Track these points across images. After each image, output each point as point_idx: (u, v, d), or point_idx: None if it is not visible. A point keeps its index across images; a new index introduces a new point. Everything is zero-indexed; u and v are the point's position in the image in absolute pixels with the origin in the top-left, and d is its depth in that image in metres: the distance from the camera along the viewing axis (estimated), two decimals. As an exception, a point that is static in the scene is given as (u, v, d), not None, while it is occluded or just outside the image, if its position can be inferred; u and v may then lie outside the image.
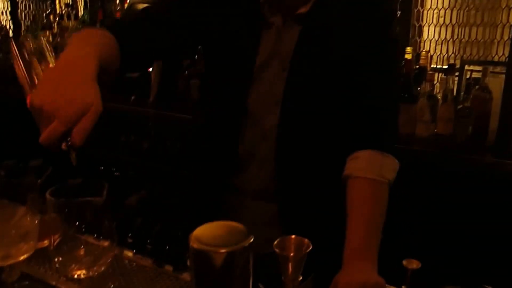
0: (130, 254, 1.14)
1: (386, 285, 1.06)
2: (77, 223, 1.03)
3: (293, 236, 0.85)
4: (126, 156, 3.26)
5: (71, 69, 0.98)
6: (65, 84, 0.95)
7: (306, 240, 0.85)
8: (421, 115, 2.34)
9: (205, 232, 0.84)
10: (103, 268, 1.06)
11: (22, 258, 0.93)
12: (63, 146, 1.00)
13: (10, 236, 0.90)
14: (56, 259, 1.03)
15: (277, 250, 0.83)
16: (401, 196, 1.27)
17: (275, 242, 0.84)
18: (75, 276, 1.04)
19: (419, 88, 2.45)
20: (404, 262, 1.02)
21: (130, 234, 1.23)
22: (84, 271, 1.04)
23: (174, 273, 1.07)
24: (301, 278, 0.84)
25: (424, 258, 1.06)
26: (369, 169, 1.23)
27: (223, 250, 0.80)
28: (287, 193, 1.34)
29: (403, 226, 1.87)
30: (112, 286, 1.01)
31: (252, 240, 0.82)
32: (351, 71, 1.27)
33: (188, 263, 1.10)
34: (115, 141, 3.41)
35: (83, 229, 1.04)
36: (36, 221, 0.94)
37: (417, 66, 2.52)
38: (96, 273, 1.05)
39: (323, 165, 1.36)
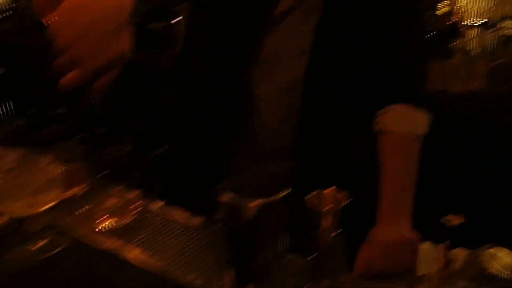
0: (156, 206, 1.11)
1: (426, 242, 1.03)
2: (104, 172, 1.00)
3: (328, 190, 0.81)
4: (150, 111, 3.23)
5: (106, 8, 0.91)
6: (99, 27, 0.88)
7: (341, 193, 0.81)
8: (454, 72, 2.26)
9: (233, 184, 0.81)
10: (129, 219, 1.04)
11: (46, 207, 0.90)
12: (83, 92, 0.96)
13: (34, 185, 0.86)
14: (82, 209, 1.01)
15: (311, 204, 0.79)
16: (432, 155, 1.23)
17: (309, 196, 0.80)
18: (102, 226, 1.02)
19: (452, 44, 2.36)
20: (445, 218, 0.97)
21: (155, 187, 1.20)
22: (110, 222, 1.02)
23: (201, 227, 1.04)
24: (334, 233, 0.80)
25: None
26: (401, 124, 1.19)
27: (254, 204, 0.77)
28: (308, 150, 1.29)
29: (434, 185, 1.83)
30: (139, 238, 0.98)
31: (285, 193, 0.79)
32: (380, 22, 1.22)
33: (217, 217, 1.09)
34: (138, 95, 3.39)
35: (111, 179, 1.02)
36: (62, 170, 0.91)
37: (451, 22, 2.43)
38: (122, 224, 1.03)
39: (347, 121, 1.31)
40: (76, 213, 1.05)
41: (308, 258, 0.86)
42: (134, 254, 0.95)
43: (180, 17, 3.10)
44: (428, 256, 0.92)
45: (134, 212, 1.04)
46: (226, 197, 0.78)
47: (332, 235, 0.80)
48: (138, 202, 1.05)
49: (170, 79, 3.10)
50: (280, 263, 0.84)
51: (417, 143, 1.19)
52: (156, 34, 3.32)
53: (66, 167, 0.92)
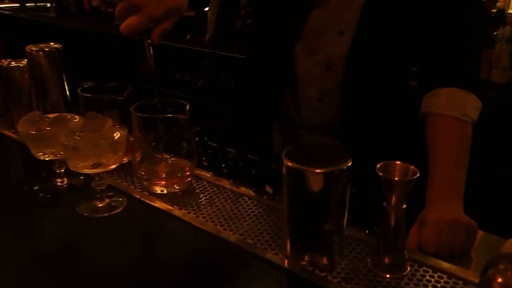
0: (207, 175, 1.13)
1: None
2: (160, 140, 1.03)
3: (398, 162, 0.80)
4: (180, 94, 3.26)
5: None
6: None
7: (412, 166, 0.78)
8: (498, 60, 2.23)
9: (299, 152, 0.80)
10: (183, 186, 1.07)
11: (112, 167, 0.93)
12: (144, 39, 1.00)
13: (101, 145, 0.90)
14: (138, 174, 1.04)
15: (381, 174, 0.77)
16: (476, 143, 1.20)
17: (379, 165, 0.78)
18: (156, 191, 1.05)
19: (496, 33, 2.32)
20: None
21: (204, 158, 1.23)
22: (165, 188, 1.05)
23: (255, 195, 1.05)
24: (405, 206, 0.78)
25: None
26: (451, 107, 1.15)
27: (319, 170, 0.75)
28: (351, 127, 1.28)
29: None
30: (193, 203, 1.01)
31: (351, 163, 0.77)
32: (432, 4, 1.19)
33: (267, 189, 1.10)
34: (170, 78, 3.43)
35: (166, 146, 1.04)
36: (124, 132, 0.94)
37: (495, 10, 2.39)
38: (177, 190, 1.05)
39: (391, 100, 1.30)
40: (134, 177, 1.10)
41: (376, 229, 0.85)
42: (189, 217, 0.97)
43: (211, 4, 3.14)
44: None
45: (188, 179, 1.07)
46: (291, 162, 0.77)
47: (402, 207, 0.78)
48: (191, 169, 1.07)
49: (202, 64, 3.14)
50: (341, 235, 0.82)
51: (469, 127, 1.16)
52: (188, 21, 3.36)
53: (125, 133, 0.95)
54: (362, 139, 1.28)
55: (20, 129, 0.98)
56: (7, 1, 4.98)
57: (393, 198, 0.77)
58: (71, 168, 0.93)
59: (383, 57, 1.23)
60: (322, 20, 1.23)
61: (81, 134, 0.92)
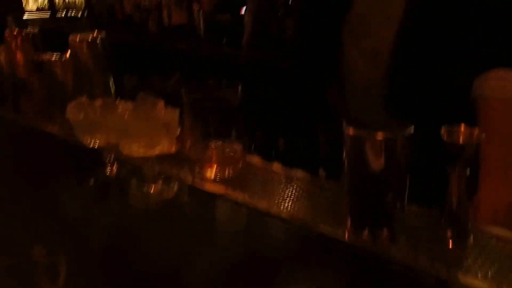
0: (257, 160, 1.10)
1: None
2: (211, 123, 1.00)
3: (462, 125, 0.77)
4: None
5: None
6: None
7: (476, 129, 0.75)
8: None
9: (359, 121, 0.77)
10: (235, 171, 1.03)
11: (165, 149, 0.90)
12: None
13: (154, 126, 0.87)
14: (190, 159, 1.01)
15: (445, 137, 0.74)
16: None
17: (442, 129, 0.75)
18: (208, 176, 1.01)
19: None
20: None
21: (252, 145, 1.19)
22: (217, 173, 1.02)
23: (306, 179, 1.02)
24: (468, 173, 0.75)
25: None
26: (504, 88, 1.12)
27: (381, 136, 0.73)
28: (396, 115, 1.24)
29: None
30: (246, 186, 0.97)
31: (412, 131, 0.74)
32: None
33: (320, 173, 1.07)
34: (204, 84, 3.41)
35: (217, 130, 1.01)
36: (177, 113, 0.91)
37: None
38: (229, 175, 1.02)
39: (439, 90, 1.26)
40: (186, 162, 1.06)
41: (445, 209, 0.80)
42: (244, 200, 0.94)
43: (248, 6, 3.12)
44: None
45: (240, 163, 1.03)
46: (351, 130, 0.74)
47: (466, 173, 0.74)
48: (243, 154, 1.04)
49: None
50: (402, 206, 0.79)
51: None
52: (224, 25, 3.36)
53: (177, 113, 0.91)
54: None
55: (69, 116, 0.96)
56: (36, 13, 5.07)
57: (457, 164, 0.74)
58: (124, 152, 0.90)
59: (432, 46, 1.19)
60: (367, 6, 1.20)
61: (131, 116, 0.89)
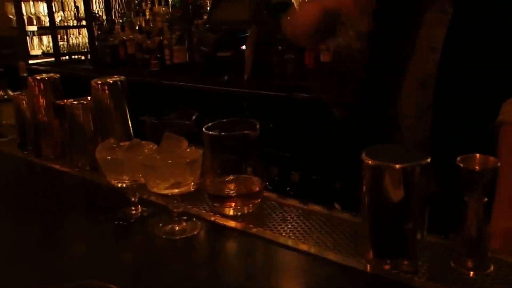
0: (273, 196, 1.13)
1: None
2: (230, 159, 1.04)
3: (478, 155, 0.80)
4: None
5: None
6: None
7: (492, 158, 0.79)
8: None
9: (378, 153, 0.80)
10: (254, 206, 1.07)
11: (190, 187, 0.94)
12: None
13: (179, 164, 0.91)
14: (210, 195, 1.05)
15: (461, 165, 0.77)
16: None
17: (459, 158, 0.79)
18: (228, 213, 1.05)
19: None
20: None
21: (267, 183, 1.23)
22: (236, 209, 1.05)
23: (324, 212, 1.05)
24: (486, 199, 0.78)
25: None
26: None
27: (399, 166, 0.76)
28: (442, 143, 1.26)
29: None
30: (267, 221, 1.01)
31: (429, 160, 0.77)
32: None
33: (336, 206, 1.10)
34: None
35: (236, 166, 1.05)
36: (200, 152, 0.95)
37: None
38: (248, 211, 1.06)
39: (480, 115, 1.27)
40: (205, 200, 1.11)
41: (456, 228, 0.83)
42: (265, 234, 0.97)
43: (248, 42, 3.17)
44: None
45: (259, 198, 1.07)
46: (370, 160, 0.77)
47: (483, 200, 0.78)
48: (262, 189, 1.07)
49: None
50: (423, 236, 0.81)
51: None
52: (225, 61, 3.40)
53: (201, 152, 0.95)
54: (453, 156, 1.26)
55: (97, 156, 1.00)
56: (41, 56, 5.17)
57: (474, 191, 0.77)
58: (151, 190, 0.94)
59: (474, 75, 1.18)
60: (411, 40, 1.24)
61: (159, 154, 0.93)
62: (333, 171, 1.37)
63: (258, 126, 1.03)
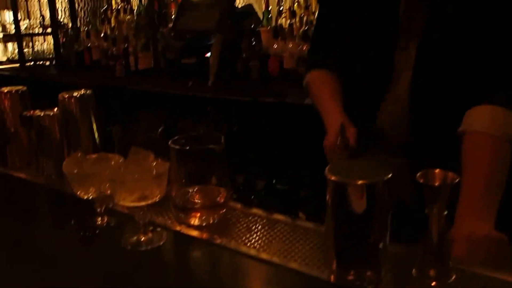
0: (238, 206, 1.17)
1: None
2: (195, 171, 1.07)
3: (437, 170, 0.83)
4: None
5: None
6: None
7: (450, 173, 0.82)
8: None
9: (341, 169, 0.84)
10: (218, 217, 1.10)
11: (156, 199, 0.97)
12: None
13: (146, 178, 0.94)
14: (175, 207, 1.08)
15: (421, 180, 0.81)
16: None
17: (419, 174, 0.82)
18: (193, 223, 1.08)
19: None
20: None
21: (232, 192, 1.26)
22: (201, 219, 1.08)
23: (288, 222, 1.08)
24: (446, 212, 0.81)
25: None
26: (490, 125, 1.13)
27: (361, 182, 0.79)
28: (418, 148, 1.29)
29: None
30: (231, 232, 1.04)
31: (391, 176, 0.80)
32: (486, 28, 1.19)
33: (300, 215, 1.14)
34: (173, 127, 3.46)
35: (201, 177, 1.08)
36: (167, 165, 0.98)
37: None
38: (214, 221, 1.09)
39: (454, 121, 1.24)
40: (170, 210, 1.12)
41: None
42: (229, 244, 1.01)
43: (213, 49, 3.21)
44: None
45: (224, 209, 1.10)
46: (333, 176, 0.80)
47: (443, 213, 0.81)
48: (227, 200, 1.10)
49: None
50: (385, 248, 0.84)
51: (508, 146, 1.14)
52: (190, 68, 3.43)
53: (167, 165, 0.99)
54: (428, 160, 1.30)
55: (65, 170, 1.02)
56: (6, 62, 5.10)
57: (435, 205, 0.81)
58: (118, 203, 0.96)
59: (442, 88, 1.24)
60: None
61: (126, 169, 0.96)
62: (298, 179, 1.42)
63: (223, 141, 1.07)
